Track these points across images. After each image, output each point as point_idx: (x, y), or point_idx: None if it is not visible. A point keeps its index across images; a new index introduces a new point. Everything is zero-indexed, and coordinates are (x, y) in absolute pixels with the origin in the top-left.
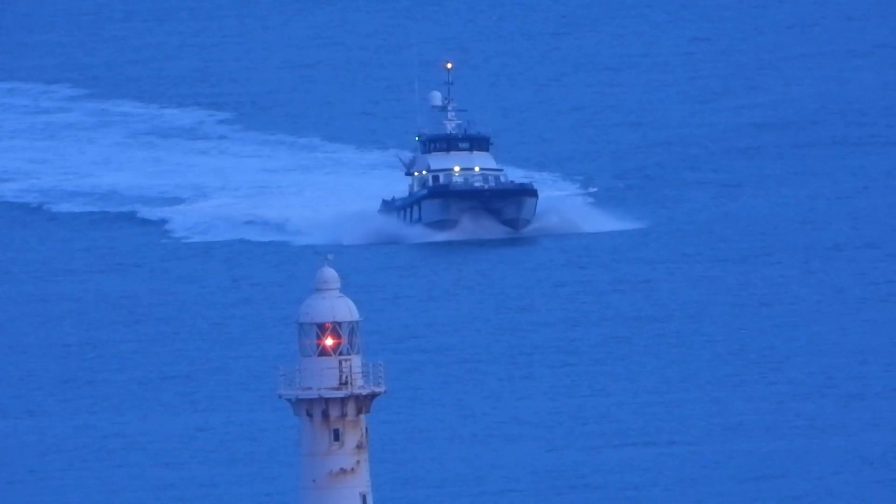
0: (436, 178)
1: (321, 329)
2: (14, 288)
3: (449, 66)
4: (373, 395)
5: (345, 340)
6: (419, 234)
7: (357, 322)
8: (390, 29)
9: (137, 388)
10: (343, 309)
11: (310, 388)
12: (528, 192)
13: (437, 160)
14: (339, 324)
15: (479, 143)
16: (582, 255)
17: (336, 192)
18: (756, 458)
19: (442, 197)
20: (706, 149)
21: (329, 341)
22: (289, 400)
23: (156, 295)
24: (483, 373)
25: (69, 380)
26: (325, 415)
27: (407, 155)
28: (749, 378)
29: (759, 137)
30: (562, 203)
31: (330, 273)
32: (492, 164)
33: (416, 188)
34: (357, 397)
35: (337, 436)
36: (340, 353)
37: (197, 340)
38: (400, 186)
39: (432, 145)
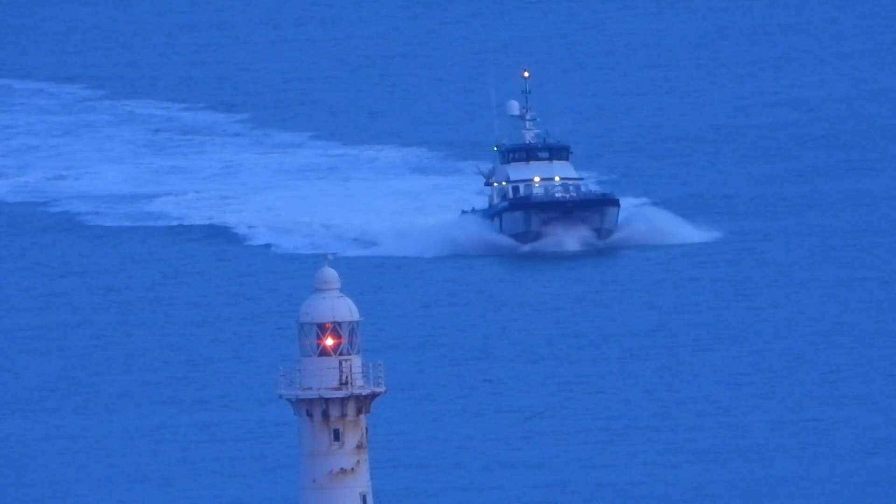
0: (516, 189)
1: (321, 329)
2: (18, 288)
3: (526, 74)
4: (373, 395)
5: (345, 340)
6: (500, 245)
7: (357, 322)
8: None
9: (138, 388)
10: (343, 309)
11: (310, 388)
12: (610, 201)
13: (517, 170)
14: (340, 324)
15: (558, 152)
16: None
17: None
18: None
19: (523, 208)
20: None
21: (329, 341)
22: (289, 400)
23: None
24: (490, 374)
25: (69, 379)
26: (325, 415)
27: (486, 165)
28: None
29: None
30: (647, 212)
31: (330, 273)
32: (572, 173)
33: (495, 199)
34: (357, 397)
35: (337, 436)
36: (340, 353)
37: (205, 340)
38: (463, 191)
39: (511, 155)
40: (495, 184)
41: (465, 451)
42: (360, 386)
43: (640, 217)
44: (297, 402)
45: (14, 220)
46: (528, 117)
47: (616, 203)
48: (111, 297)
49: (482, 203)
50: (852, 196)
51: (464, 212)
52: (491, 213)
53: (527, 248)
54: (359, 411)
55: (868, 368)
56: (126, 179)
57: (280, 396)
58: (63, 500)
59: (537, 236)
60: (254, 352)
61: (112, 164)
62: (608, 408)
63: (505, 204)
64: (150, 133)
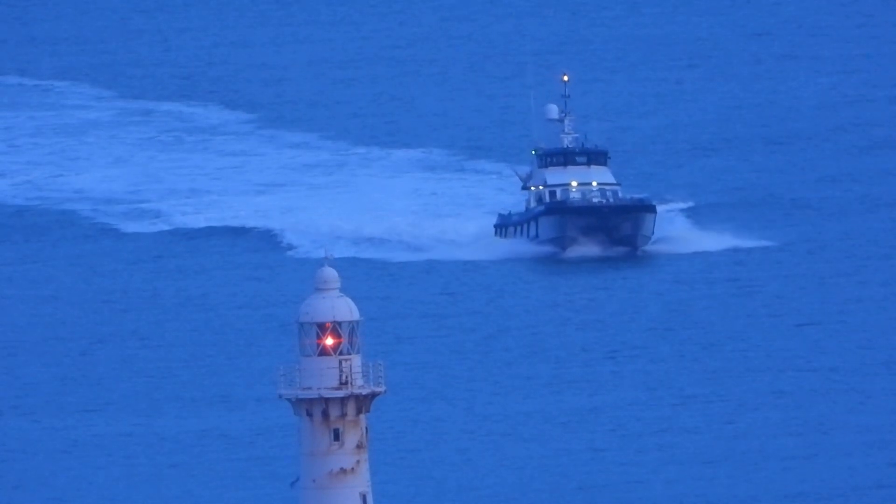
0: (552, 194)
1: (321, 329)
2: (18, 288)
3: (565, 78)
4: (373, 395)
5: (345, 340)
6: (535, 251)
7: (357, 322)
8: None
9: (137, 388)
10: (343, 308)
11: (310, 388)
12: (646, 208)
13: (554, 175)
14: (340, 323)
15: (596, 157)
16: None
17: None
18: None
19: (558, 214)
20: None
21: (329, 341)
22: (289, 400)
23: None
24: (490, 374)
25: (70, 378)
26: (325, 415)
27: (523, 169)
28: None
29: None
30: (680, 220)
31: (330, 273)
32: (610, 178)
33: (532, 203)
34: (357, 397)
35: (337, 435)
36: (340, 353)
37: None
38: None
39: (549, 159)
40: (532, 188)
41: (466, 452)
42: (360, 386)
43: (675, 223)
44: (297, 402)
45: (16, 220)
46: (566, 121)
47: (653, 209)
48: (111, 297)
49: (518, 206)
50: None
51: (501, 215)
52: (526, 218)
53: (563, 253)
54: (359, 411)
55: None
56: (132, 179)
57: (280, 396)
58: (63, 501)
59: (573, 241)
60: (254, 352)
61: (118, 164)
62: (609, 409)
63: (541, 209)
64: (159, 133)
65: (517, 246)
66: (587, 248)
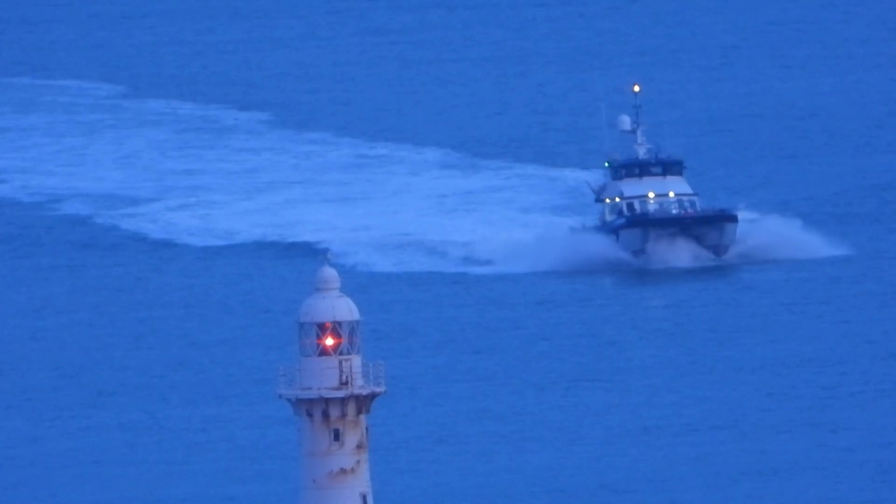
0: (630, 206)
1: (321, 329)
2: (21, 289)
3: (636, 88)
4: (373, 395)
5: (345, 340)
6: (619, 260)
7: (357, 322)
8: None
9: (137, 386)
10: (343, 308)
11: (310, 388)
12: (728, 217)
13: (630, 186)
14: (340, 323)
15: (672, 167)
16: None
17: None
18: None
19: (641, 226)
20: None
21: (329, 341)
22: (289, 400)
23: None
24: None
25: (69, 378)
26: (326, 415)
27: (596, 181)
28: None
29: None
30: (768, 227)
31: (330, 273)
32: (686, 189)
33: (607, 215)
34: (357, 397)
35: (337, 436)
36: (341, 353)
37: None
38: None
39: (624, 171)
40: (607, 200)
41: (468, 452)
42: (360, 386)
43: (760, 229)
44: (297, 402)
45: (19, 221)
46: (639, 132)
47: (734, 219)
48: (112, 297)
49: (592, 219)
50: None
51: (572, 229)
52: (606, 231)
53: (646, 264)
54: (359, 411)
55: None
56: (139, 179)
57: (280, 396)
58: (62, 499)
59: (656, 253)
60: (254, 352)
61: (126, 163)
62: (609, 410)
63: (622, 221)
64: (170, 133)
65: (597, 256)
66: (671, 259)
